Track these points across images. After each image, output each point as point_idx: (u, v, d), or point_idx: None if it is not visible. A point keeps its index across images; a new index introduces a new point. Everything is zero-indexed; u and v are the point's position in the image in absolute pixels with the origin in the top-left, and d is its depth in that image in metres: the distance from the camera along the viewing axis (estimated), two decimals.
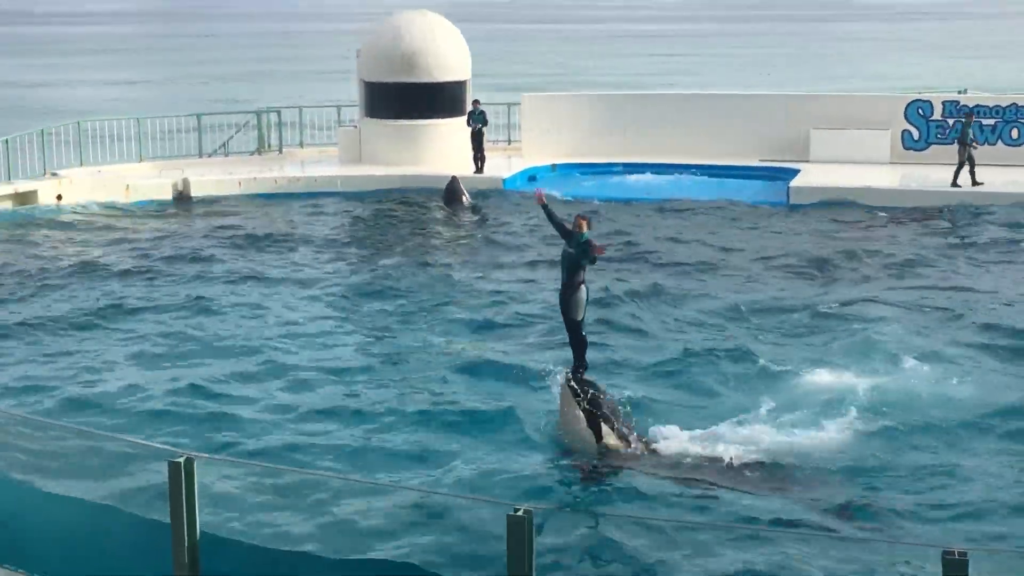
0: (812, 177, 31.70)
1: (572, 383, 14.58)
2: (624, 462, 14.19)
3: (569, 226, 14.49)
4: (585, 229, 14.30)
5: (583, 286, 14.50)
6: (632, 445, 14.41)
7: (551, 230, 24.70)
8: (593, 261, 14.33)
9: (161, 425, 15.14)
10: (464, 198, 30.42)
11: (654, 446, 14.55)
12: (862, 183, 30.61)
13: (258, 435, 14.91)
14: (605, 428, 14.42)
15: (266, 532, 11.54)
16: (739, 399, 16.15)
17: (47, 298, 21.71)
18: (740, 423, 15.12)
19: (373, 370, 17.69)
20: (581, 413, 14.47)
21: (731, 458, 14.07)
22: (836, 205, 29.54)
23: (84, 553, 10.23)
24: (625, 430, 14.58)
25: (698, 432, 14.85)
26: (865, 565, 11.32)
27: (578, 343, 14.88)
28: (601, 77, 73.24)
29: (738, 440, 14.59)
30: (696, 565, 11.34)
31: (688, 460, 14.20)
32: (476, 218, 29.49)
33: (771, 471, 13.89)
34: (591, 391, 14.55)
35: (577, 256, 14.34)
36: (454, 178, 30.89)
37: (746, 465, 14.00)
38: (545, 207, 14.76)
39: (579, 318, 14.67)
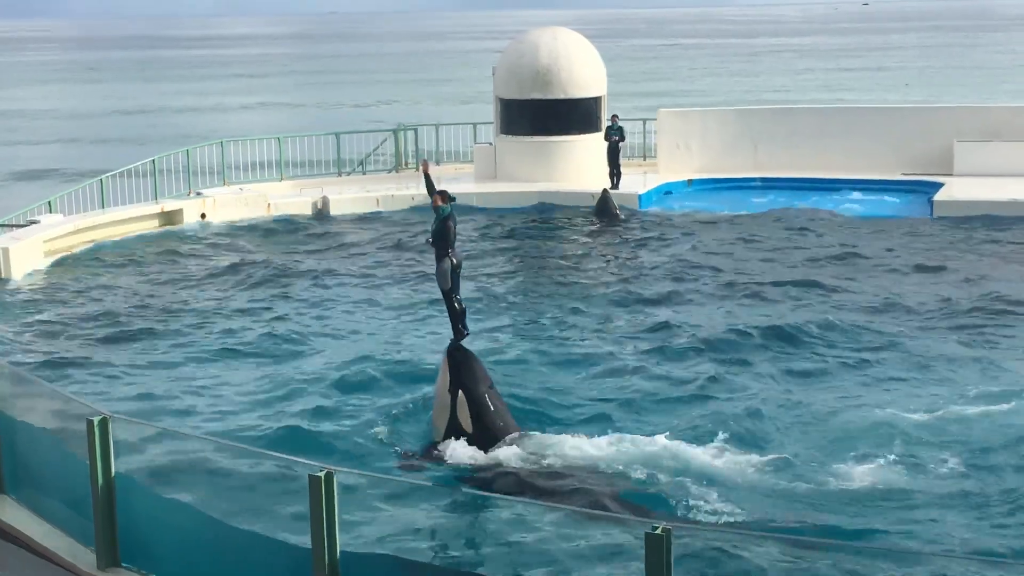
0: (956, 190, 30.95)
1: (457, 356, 15.20)
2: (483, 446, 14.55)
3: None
4: (440, 203, 15.04)
5: (447, 258, 15.02)
6: (502, 431, 14.81)
7: (684, 246, 24.58)
8: (441, 235, 14.99)
9: (318, 440, 15.33)
10: (616, 211, 30.44)
11: (529, 441, 14.72)
12: (1009, 196, 29.76)
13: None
14: (463, 401, 14.80)
15: (405, 548, 11.58)
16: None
17: (197, 312, 22.20)
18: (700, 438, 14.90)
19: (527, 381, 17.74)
20: (448, 383, 14.97)
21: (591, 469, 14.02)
22: (982, 219, 28.77)
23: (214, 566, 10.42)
24: (496, 410, 14.92)
25: (600, 439, 14.84)
26: None
27: (451, 313, 15.45)
28: (733, 93, 72.59)
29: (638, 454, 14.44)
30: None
31: (547, 463, 14.18)
32: (624, 233, 29.36)
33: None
34: (468, 365, 15.07)
35: (434, 231, 15.13)
36: (606, 191, 31.00)
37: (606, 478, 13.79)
38: (427, 177, 15.69)
39: (444, 288, 15.23)
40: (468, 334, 15.57)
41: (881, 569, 11.22)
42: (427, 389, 16.50)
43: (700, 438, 14.99)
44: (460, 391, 14.98)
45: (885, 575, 11.17)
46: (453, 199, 15.25)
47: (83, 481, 10.93)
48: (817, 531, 12.37)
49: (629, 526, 11.46)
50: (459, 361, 15.24)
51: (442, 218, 15.09)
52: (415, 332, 20.74)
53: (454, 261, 15.07)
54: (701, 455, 14.41)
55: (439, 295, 16.07)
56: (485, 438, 14.80)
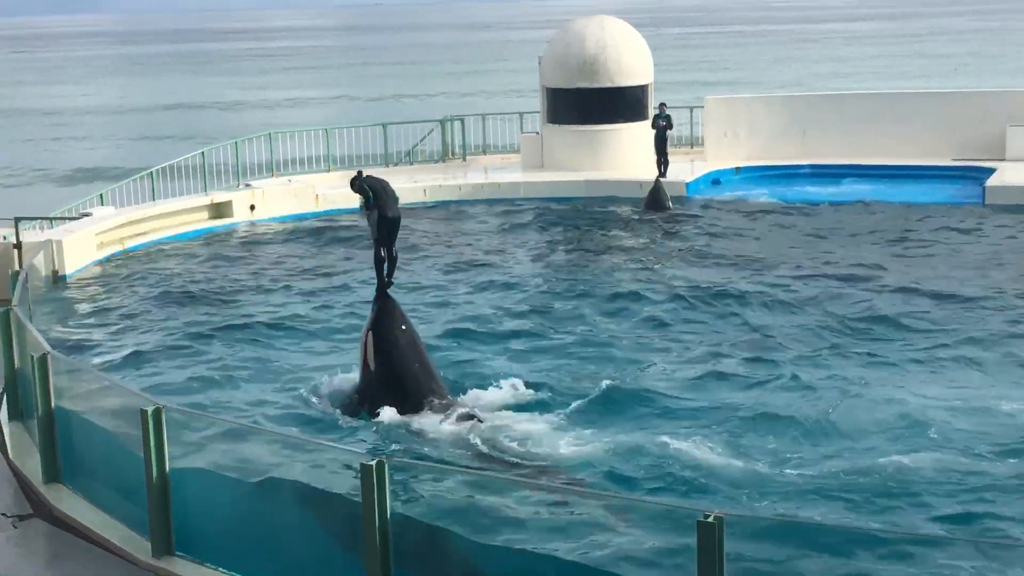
0: (1009, 176, 30.60)
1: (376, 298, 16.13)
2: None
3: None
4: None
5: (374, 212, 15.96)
6: (410, 375, 15.63)
7: (734, 235, 24.43)
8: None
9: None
10: (668, 203, 30.29)
11: (457, 408, 15.28)
12: None
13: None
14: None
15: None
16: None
17: (253, 304, 22.34)
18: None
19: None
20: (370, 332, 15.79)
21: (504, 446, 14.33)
22: None
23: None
24: (400, 349, 15.62)
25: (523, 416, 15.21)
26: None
27: (376, 262, 16.20)
28: (781, 78, 72.09)
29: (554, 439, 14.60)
30: None
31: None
32: (675, 223, 29.19)
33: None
34: (381, 305, 15.93)
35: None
36: (658, 180, 30.92)
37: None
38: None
39: (372, 238, 16.25)
40: (392, 284, 16.26)
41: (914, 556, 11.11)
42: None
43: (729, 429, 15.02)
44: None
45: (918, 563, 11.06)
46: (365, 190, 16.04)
47: (138, 471, 11.06)
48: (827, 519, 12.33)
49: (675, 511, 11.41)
50: (373, 302, 16.16)
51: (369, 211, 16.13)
52: (498, 327, 20.55)
53: (389, 215, 15.95)
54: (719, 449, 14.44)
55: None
56: (390, 378, 15.59)
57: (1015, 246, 25.46)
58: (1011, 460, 13.93)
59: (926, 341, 18.78)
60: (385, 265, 16.15)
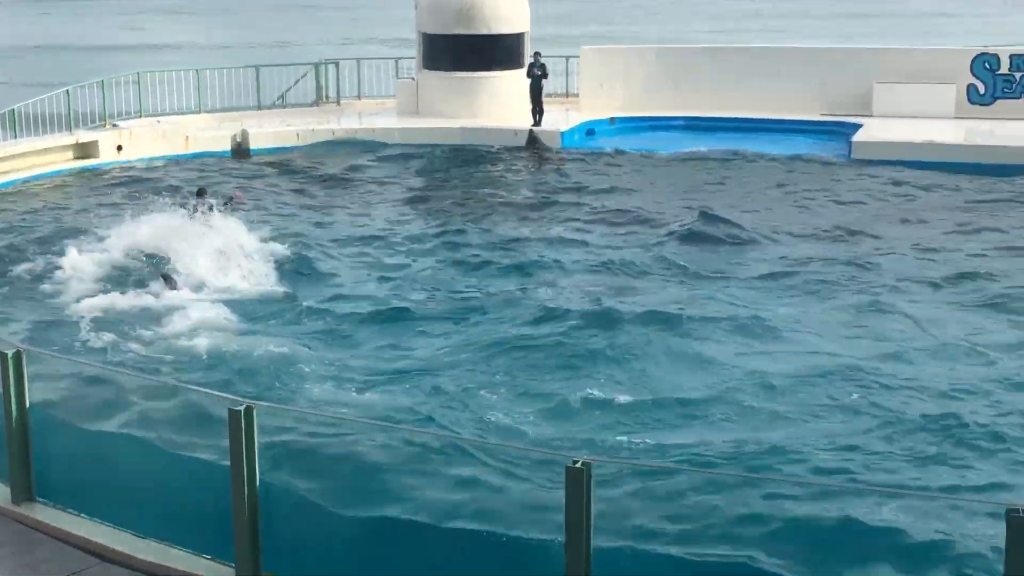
0: (875, 132, 31.26)
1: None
2: None
3: None
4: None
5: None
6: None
7: (608, 183, 24.57)
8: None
9: (223, 375, 15.25)
10: (543, 151, 30.72)
11: None
12: (926, 138, 30.11)
13: (304, 385, 14.98)
14: None
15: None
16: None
17: (106, 248, 21.75)
18: None
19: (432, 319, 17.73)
20: None
21: None
22: (898, 160, 29.08)
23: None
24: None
25: None
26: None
27: None
28: (656, 33, 72.56)
29: None
30: None
31: None
32: (548, 174, 29.27)
33: None
34: None
35: None
36: (532, 130, 31.47)
37: None
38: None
39: None
40: None
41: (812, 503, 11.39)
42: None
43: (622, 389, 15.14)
44: None
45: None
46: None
47: None
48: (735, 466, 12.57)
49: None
50: None
51: None
52: (354, 274, 20.59)
53: None
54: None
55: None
56: None
57: (878, 198, 26.03)
58: (874, 411, 14.30)
59: (786, 293, 19.13)
60: None
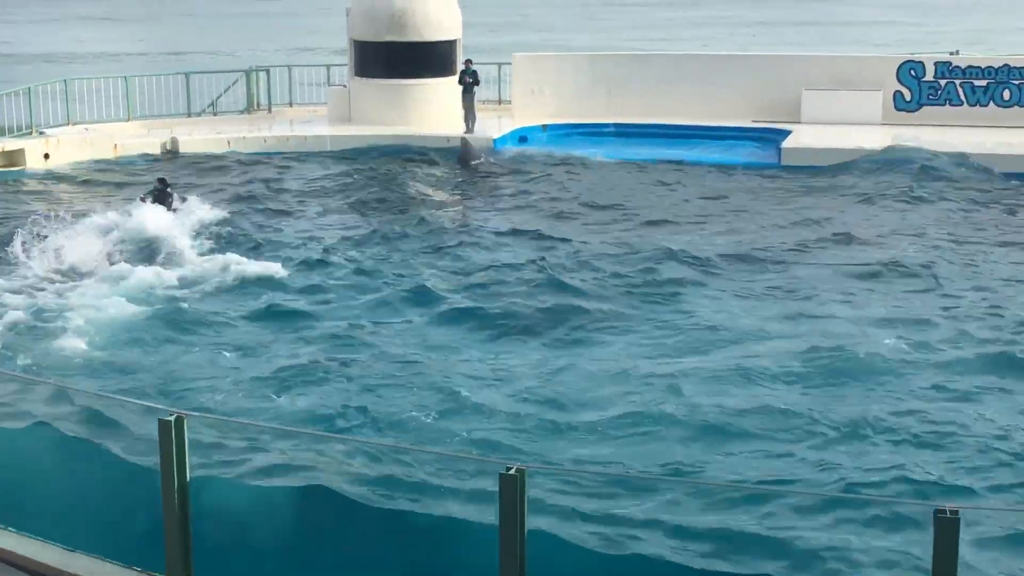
0: (804, 138, 31.61)
1: None
2: None
3: None
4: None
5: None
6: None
7: (542, 190, 24.66)
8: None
9: (163, 384, 15.09)
10: (475, 158, 30.48)
11: None
12: (854, 144, 30.50)
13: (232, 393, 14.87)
14: None
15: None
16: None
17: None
18: None
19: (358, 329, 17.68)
20: None
21: None
22: (826, 167, 29.39)
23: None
24: None
25: None
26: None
27: None
28: (588, 42, 72.87)
29: None
30: None
31: None
32: (481, 181, 29.24)
33: None
34: None
35: None
36: (464, 137, 31.17)
37: None
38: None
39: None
40: None
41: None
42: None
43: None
44: None
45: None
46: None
47: None
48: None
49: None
50: None
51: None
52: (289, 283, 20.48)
53: None
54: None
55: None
56: None
57: (805, 203, 26.31)
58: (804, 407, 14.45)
59: (709, 299, 19.27)
60: None
